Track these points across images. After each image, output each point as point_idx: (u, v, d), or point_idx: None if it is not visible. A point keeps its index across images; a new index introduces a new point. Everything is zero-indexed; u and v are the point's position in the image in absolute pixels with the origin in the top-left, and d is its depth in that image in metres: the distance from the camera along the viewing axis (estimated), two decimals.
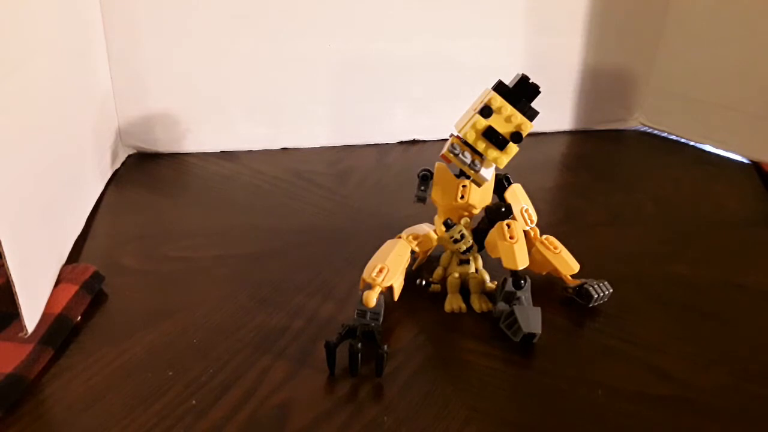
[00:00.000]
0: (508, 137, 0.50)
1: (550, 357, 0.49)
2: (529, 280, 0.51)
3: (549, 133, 1.01)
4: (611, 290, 0.55)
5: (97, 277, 0.56)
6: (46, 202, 0.56)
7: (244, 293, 0.56)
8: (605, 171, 0.89)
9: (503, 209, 0.53)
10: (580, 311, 0.54)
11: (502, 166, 0.51)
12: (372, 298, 0.48)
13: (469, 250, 0.54)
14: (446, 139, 0.53)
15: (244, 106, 0.89)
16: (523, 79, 0.49)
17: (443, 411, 0.43)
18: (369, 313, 0.48)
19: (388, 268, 0.50)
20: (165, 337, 0.50)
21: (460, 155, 0.51)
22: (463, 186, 0.53)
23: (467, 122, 0.50)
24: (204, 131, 0.89)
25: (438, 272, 0.57)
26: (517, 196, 0.57)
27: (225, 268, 0.60)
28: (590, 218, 0.74)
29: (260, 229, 0.68)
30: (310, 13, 0.85)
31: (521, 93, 0.49)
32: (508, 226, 0.51)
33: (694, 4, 0.94)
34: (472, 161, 0.51)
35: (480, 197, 0.55)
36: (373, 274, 0.49)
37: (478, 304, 0.54)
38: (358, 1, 0.86)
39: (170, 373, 0.46)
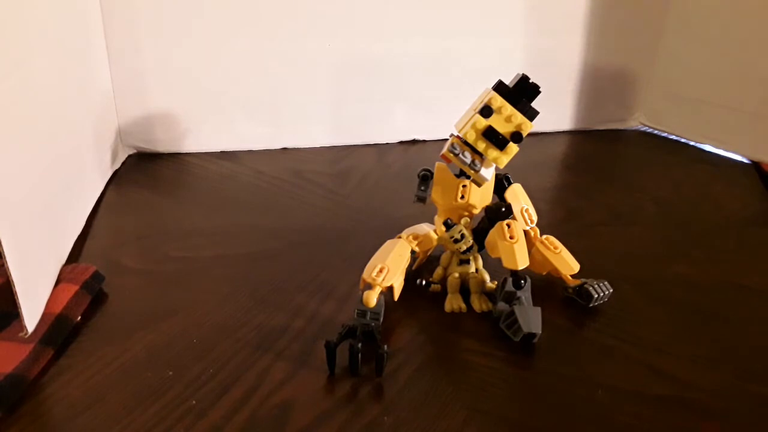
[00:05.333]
0: (508, 137, 0.50)
1: (550, 357, 0.49)
2: (529, 280, 0.51)
3: (549, 133, 1.01)
4: (611, 290, 0.55)
5: (97, 277, 0.56)
6: (46, 201, 0.56)
7: (244, 293, 0.56)
8: (605, 171, 0.89)
9: (503, 209, 0.53)
10: (580, 311, 0.54)
11: (502, 166, 0.51)
12: (372, 298, 0.48)
13: (469, 250, 0.54)
14: (446, 139, 0.53)
15: (244, 106, 0.89)
16: (523, 79, 0.49)
17: (443, 411, 0.43)
18: (369, 313, 0.48)
19: (388, 268, 0.50)
20: (165, 337, 0.50)
21: (460, 155, 0.51)
22: (463, 186, 0.53)
23: (467, 122, 0.50)
24: (204, 131, 0.89)
25: (438, 272, 0.57)
26: (517, 196, 0.57)
27: (225, 268, 0.60)
28: (590, 218, 0.74)
29: (260, 229, 0.68)
30: (310, 13, 0.85)
31: (521, 93, 0.49)
32: (508, 226, 0.51)
33: (694, 4, 0.94)
34: (472, 161, 0.51)
35: (480, 197, 0.55)
36: (373, 274, 0.49)
37: (478, 304, 0.54)
38: (358, 1, 0.86)
39: (170, 373, 0.46)
